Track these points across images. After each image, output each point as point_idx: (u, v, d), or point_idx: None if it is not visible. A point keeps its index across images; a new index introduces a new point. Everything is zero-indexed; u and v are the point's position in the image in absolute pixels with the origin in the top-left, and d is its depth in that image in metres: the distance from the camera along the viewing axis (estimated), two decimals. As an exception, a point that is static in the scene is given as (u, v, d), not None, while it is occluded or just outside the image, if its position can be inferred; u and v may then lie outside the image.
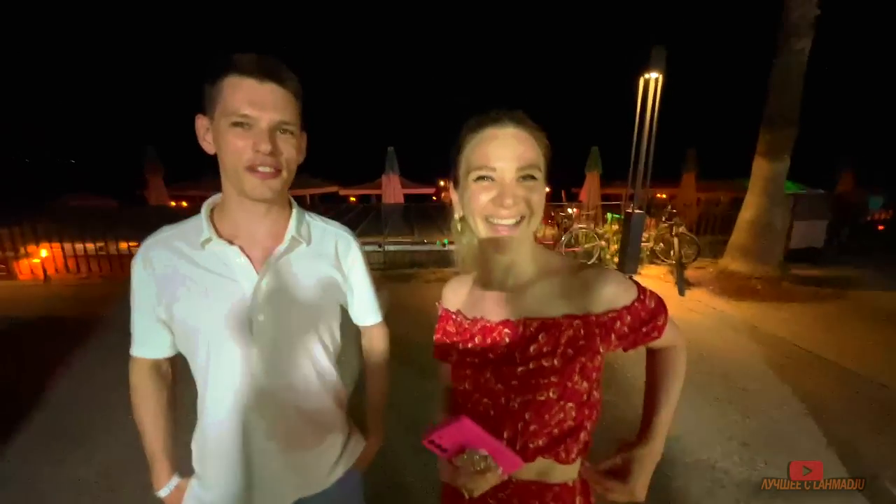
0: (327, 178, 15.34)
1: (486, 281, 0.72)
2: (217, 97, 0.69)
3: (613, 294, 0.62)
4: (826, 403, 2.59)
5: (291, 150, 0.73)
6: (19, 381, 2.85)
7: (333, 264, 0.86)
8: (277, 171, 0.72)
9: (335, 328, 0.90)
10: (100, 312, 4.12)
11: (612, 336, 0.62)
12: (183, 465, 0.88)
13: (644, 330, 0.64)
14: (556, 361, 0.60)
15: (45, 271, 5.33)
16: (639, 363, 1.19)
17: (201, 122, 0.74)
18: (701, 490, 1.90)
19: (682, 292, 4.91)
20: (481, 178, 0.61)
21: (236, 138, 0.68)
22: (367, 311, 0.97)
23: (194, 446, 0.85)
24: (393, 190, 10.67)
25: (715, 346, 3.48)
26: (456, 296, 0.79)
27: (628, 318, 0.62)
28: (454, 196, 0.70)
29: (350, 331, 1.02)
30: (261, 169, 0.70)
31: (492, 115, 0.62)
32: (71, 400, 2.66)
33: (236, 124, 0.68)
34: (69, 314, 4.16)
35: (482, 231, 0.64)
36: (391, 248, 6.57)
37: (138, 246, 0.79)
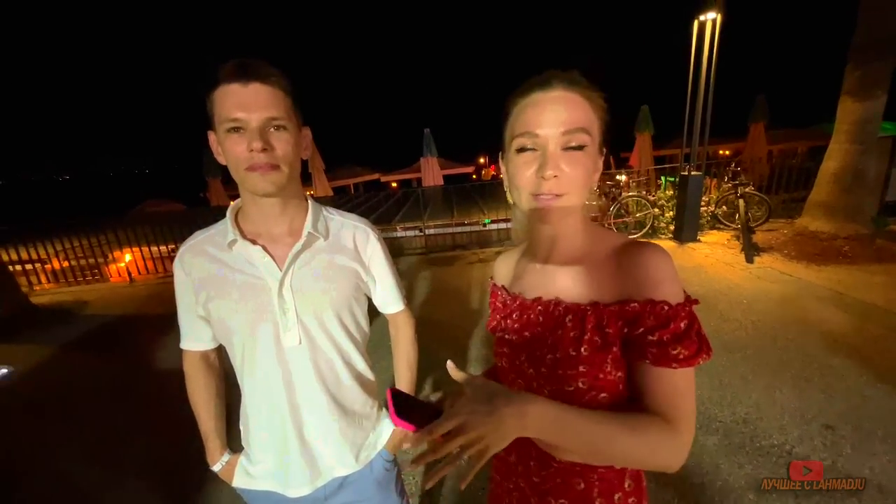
0: (369, 167, 15.64)
1: (530, 256, 0.70)
2: (213, 110, 0.73)
3: (646, 277, 0.53)
4: (934, 380, 2.23)
5: (286, 145, 0.74)
6: (116, 371, 3.26)
7: (353, 256, 0.89)
8: (275, 167, 0.73)
9: (360, 318, 0.93)
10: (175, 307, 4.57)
11: (625, 330, 0.53)
12: (235, 443, 0.96)
13: (651, 339, 0.50)
14: (583, 350, 0.55)
15: (129, 273, 6.01)
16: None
17: (212, 138, 0.78)
18: (777, 478, 1.72)
19: (749, 259, 4.43)
20: (523, 148, 0.57)
21: (233, 144, 0.71)
22: (390, 299, 0.99)
23: (241, 426, 0.93)
24: (432, 172, 10.61)
25: (791, 317, 3.12)
26: (504, 269, 0.78)
27: (650, 317, 0.51)
28: (502, 166, 0.66)
29: (380, 319, 1.04)
30: (258, 167, 0.72)
31: (540, 77, 0.57)
32: (161, 388, 2.99)
33: (231, 130, 0.71)
34: (152, 311, 4.67)
35: (525, 204, 0.61)
36: (431, 231, 6.58)
37: None
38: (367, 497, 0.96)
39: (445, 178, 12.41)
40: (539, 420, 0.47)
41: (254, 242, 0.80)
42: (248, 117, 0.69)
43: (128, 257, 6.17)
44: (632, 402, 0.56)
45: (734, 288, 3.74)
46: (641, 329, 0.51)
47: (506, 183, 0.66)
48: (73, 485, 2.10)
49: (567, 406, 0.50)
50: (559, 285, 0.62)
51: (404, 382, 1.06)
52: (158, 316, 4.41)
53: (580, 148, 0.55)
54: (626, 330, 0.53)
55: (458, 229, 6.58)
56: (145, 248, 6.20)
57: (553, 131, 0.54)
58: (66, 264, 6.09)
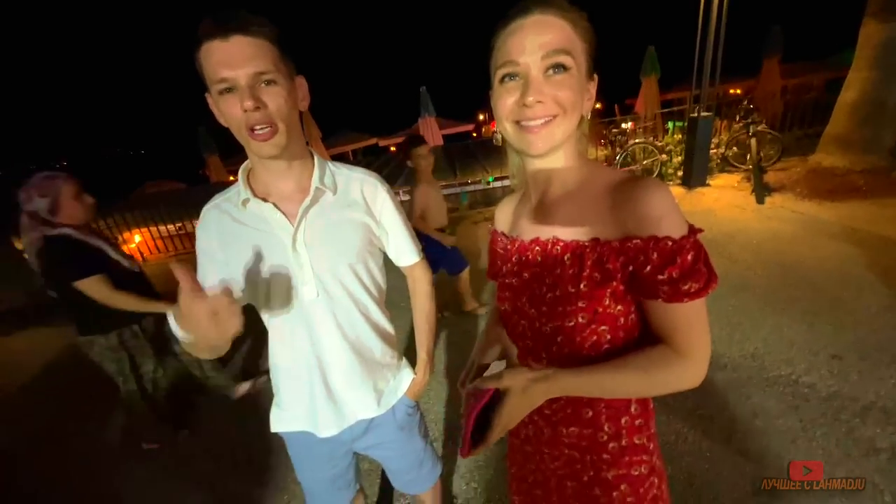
0: (366, 132, 15.24)
1: (527, 197, 0.69)
2: (202, 70, 0.70)
3: (647, 214, 0.51)
4: (945, 307, 2.24)
5: (279, 100, 0.72)
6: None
7: (364, 209, 0.90)
8: (273, 128, 0.72)
9: (376, 271, 0.95)
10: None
11: (629, 268, 0.53)
12: (268, 394, 1.01)
13: (660, 277, 0.50)
14: (582, 286, 0.56)
15: (141, 254, 6.10)
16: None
17: (209, 101, 0.75)
18: (783, 405, 1.80)
19: (760, 200, 4.35)
20: (506, 76, 0.56)
21: (228, 106, 0.70)
22: (403, 251, 1.00)
23: (271, 375, 0.98)
24: (431, 132, 10.31)
25: (801, 255, 3.11)
26: (504, 215, 0.78)
27: (654, 255, 0.50)
28: (493, 104, 0.64)
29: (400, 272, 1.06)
30: (257, 129, 0.71)
31: (518, 5, 0.55)
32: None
33: (223, 91, 0.69)
34: (169, 288, 4.78)
35: (512, 137, 0.59)
36: (435, 193, 6.51)
37: None
38: (391, 440, 1.03)
39: (445, 137, 12.10)
40: (562, 391, 0.58)
41: (265, 200, 0.81)
42: (234, 75, 0.67)
43: (137, 238, 6.25)
44: (635, 338, 0.60)
45: (744, 230, 3.71)
46: (649, 267, 0.51)
47: (497, 120, 0.63)
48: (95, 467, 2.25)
49: (586, 371, 0.57)
50: (556, 223, 0.61)
51: (423, 333, 1.09)
52: (171, 291, 4.52)
53: (564, 70, 0.53)
54: (631, 267, 0.53)
55: (463, 189, 6.50)
56: (153, 229, 6.26)
57: (533, 57, 0.53)
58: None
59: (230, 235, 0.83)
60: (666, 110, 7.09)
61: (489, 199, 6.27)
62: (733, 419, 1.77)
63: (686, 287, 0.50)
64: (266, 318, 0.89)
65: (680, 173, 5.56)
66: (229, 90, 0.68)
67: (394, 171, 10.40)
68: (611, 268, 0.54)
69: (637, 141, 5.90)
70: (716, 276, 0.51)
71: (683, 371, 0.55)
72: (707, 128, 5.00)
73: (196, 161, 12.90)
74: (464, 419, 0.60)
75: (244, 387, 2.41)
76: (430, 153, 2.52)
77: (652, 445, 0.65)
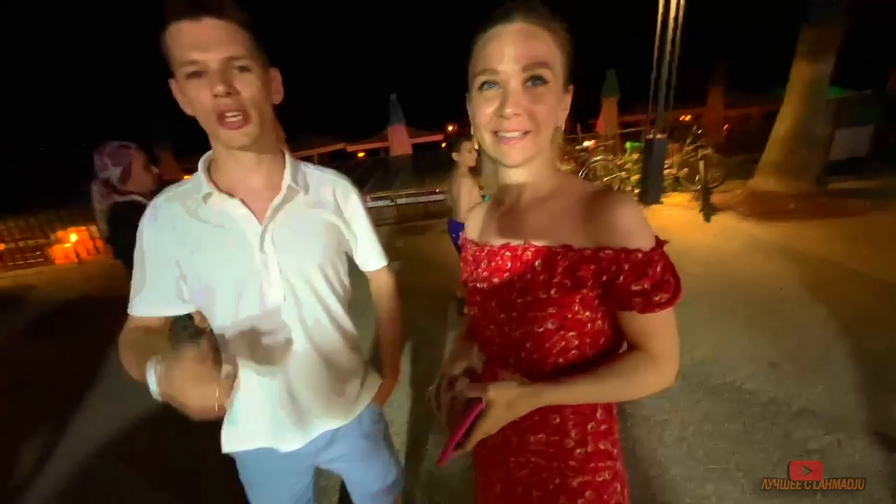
0: (332, 136, 14.98)
1: (498, 203, 0.69)
2: (168, 53, 0.64)
3: (619, 227, 0.53)
4: (867, 319, 2.49)
5: (252, 88, 0.67)
6: (72, 358, 3.08)
7: (334, 211, 0.86)
8: (245, 116, 0.67)
9: (343, 274, 0.91)
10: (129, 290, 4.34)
11: (602, 278, 0.54)
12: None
13: (634, 289, 0.53)
14: (553, 292, 0.56)
15: (77, 254, 5.59)
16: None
17: (174, 86, 0.69)
18: (728, 410, 1.91)
19: (707, 218, 4.70)
20: (484, 84, 0.56)
21: (196, 91, 0.64)
22: (370, 256, 0.98)
23: None
24: (400, 141, 10.31)
25: (741, 270, 3.37)
26: (474, 222, 0.78)
27: (626, 266, 0.53)
28: (469, 110, 0.63)
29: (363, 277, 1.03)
30: (228, 116, 0.66)
31: (500, 10, 0.55)
32: (118, 372, 2.86)
33: (191, 75, 0.64)
34: (102, 293, 4.40)
35: (489, 146, 0.59)
36: (403, 201, 6.48)
37: None
38: (357, 449, 0.98)
39: (414, 146, 12.12)
40: (546, 404, 0.58)
41: (230, 195, 0.75)
42: (205, 58, 0.62)
43: (73, 237, 5.72)
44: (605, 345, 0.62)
45: (694, 246, 3.97)
46: (622, 278, 0.53)
47: (473, 127, 0.63)
48: (37, 477, 2.02)
49: (570, 382, 0.57)
50: (528, 229, 0.61)
51: (389, 339, 1.06)
52: (115, 296, 4.16)
53: (543, 83, 0.54)
54: (604, 277, 0.54)
55: (431, 198, 6.51)
56: (92, 227, 5.76)
57: (513, 67, 0.53)
58: (1, 247, 5.57)
59: (186, 232, 0.75)
60: (625, 131, 7.52)
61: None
62: (685, 424, 1.86)
63: (657, 298, 0.53)
64: (221, 324, 0.80)
65: (637, 191, 5.89)
66: (198, 74, 0.63)
67: (362, 177, 10.27)
68: (582, 275, 0.55)
69: (598, 158, 6.21)
70: (681, 285, 0.54)
71: (659, 374, 0.58)
72: (661, 149, 5.35)
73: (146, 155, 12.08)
74: (451, 428, 0.59)
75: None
76: (475, 148, 2.53)
77: (616, 451, 0.66)
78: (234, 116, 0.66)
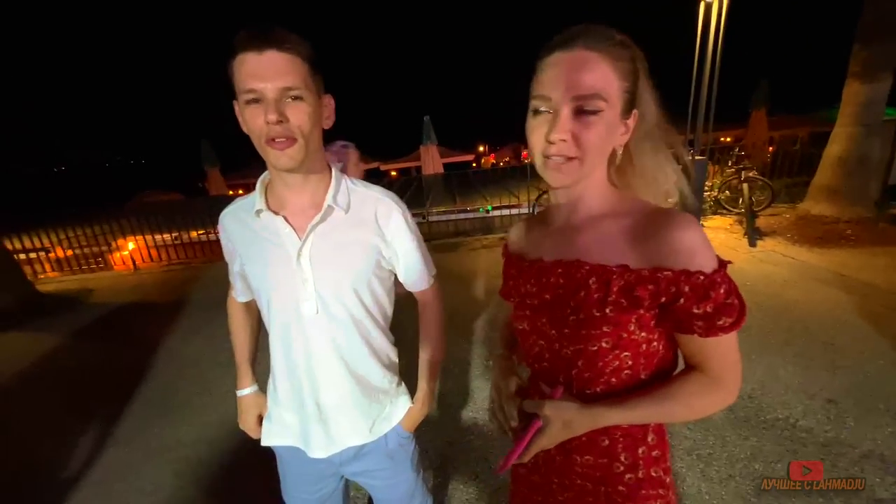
0: (367, 155, 15.55)
1: (549, 219, 0.70)
2: (233, 80, 0.72)
3: (681, 249, 0.52)
4: (935, 356, 2.27)
5: (302, 115, 0.72)
6: (121, 358, 3.30)
7: (374, 230, 0.86)
8: (291, 140, 0.73)
9: (381, 294, 0.91)
10: (180, 295, 4.60)
11: (661, 299, 0.53)
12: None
13: (696, 312, 0.52)
14: (608, 310, 0.55)
15: (133, 261, 6.01)
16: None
17: (236, 108, 0.77)
18: (781, 449, 1.77)
19: (752, 243, 4.46)
20: (537, 110, 0.57)
21: (252, 116, 0.71)
22: (413, 276, 0.96)
23: (269, 386, 0.98)
24: (432, 160, 10.56)
25: (793, 299, 3.16)
26: (518, 237, 0.78)
27: (686, 287, 0.51)
28: (526, 132, 0.65)
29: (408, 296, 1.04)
30: (277, 140, 0.72)
31: (564, 35, 0.55)
32: (165, 372, 3.03)
33: (250, 101, 0.70)
34: (158, 299, 4.69)
35: (539, 168, 0.60)
36: (434, 218, 6.58)
37: (206, 233, 0.90)
38: (380, 468, 0.97)
39: (445, 166, 12.36)
40: (604, 425, 0.60)
41: (277, 213, 0.82)
42: (263, 87, 0.68)
43: (131, 245, 6.17)
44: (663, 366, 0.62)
45: (738, 272, 3.77)
46: (682, 300, 0.52)
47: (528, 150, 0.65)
48: (88, 468, 2.14)
49: (630, 404, 0.57)
50: (579, 247, 0.61)
51: (426, 363, 1.03)
52: (165, 303, 4.44)
53: (594, 113, 0.53)
54: (663, 299, 0.53)
55: (461, 216, 6.58)
56: (148, 237, 6.20)
57: (565, 96, 0.53)
58: (69, 253, 6.09)
59: (242, 241, 0.87)
60: (661, 152, 7.34)
61: (488, 228, 6.34)
62: (732, 460, 1.74)
63: (721, 322, 0.52)
64: (266, 327, 0.91)
65: (674, 212, 5.70)
66: (256, 101, 0.70)
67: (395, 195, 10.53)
68: (639, 296, 0.54)
69: (633, 179, 6.08)
70: (745, 309, 0.53)
71: (722, 396, 0.58)
72: (701, 170, 5.19)
73: (196, 173, 12.99)
74: (516, 441, 0.62)
75: None
76: None
77: (668, 479, 0.64)
78: (281, 140, 0.72)
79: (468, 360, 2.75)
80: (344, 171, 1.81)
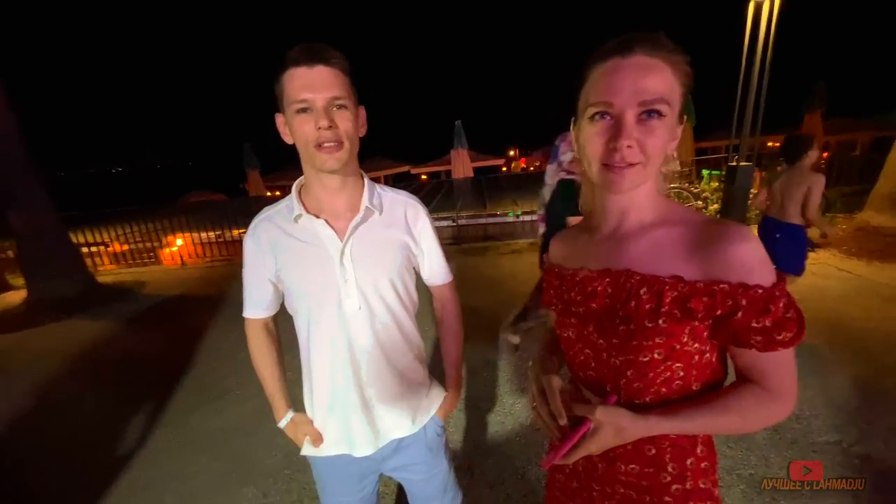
0: (398, 159, 15.82)
1: (594, 228, 0.68)
2: (282, 93, 0.78)
3: (740, 263, 0.51)
4: None
5: (347, 122, 0.79)
6: (170, 347, 3.52)
7: (404, 230, 0.94)
8: (340, 144, 0.79)
9: (412, 288, 0.98)
10: (224, 290, 4.86)
11: (716, 312, 0.52)
12: (297, 403, 1.03)
13: (754, 326, 0.51)
14: (661, 322, 0.54)
15: (181, 257, 6.42)
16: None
17: (279, 120, 0.84)
18: (831, 473, 1.65)
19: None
20: (597, 114, 0.55)
21: (302, 123, 0.77)
22: (437, 271, 1.03)
23: (306, 400, 0.99)
24: (462, 164, 10.61)
25: (850, 315, 2.94)
26: (561, 247, 0.77)
27: (744, 301, 0.50)
28: (572, 134, 0.65)
29: (427, 294, 1.08)
30: (325, 145, 0.78)
31: (620, 41, 0.54)
32: (206, 362, 3.21)
33: (300, 111, 0.76)
34: (201, 292, 4.98)
35: (596, 176, 0.58)
36: (464, 222, 6.60)
37: (246, 232, 0.94)
38: (420, 461, 1.02)
39: (475, 170, 12.37)
40: (652, 433, 0.58)
41: (317, 216, 0.86)
42: (314, 97, 0.75)
43: (179, 242, 6.59)
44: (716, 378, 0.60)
45: (787, 285, 3.55)
46: (740, 314, 0.51)
47: (575, 150, 0.65)
48: (136, 453, 2.30)
49: (683, 414, 0.56)
50: (630, 256, 0.60)
51: (452, 353, 1.09)
52: (208, 297, 4.71)
53: (658, 117, 0.53)
54: (719, 311, 0.52)
55: (491, 220, 6.56)
56: (195, 235, 6.60)
57: (630, 100, 0.52)
58: (125, 248, 6.58)
59: (281, 247, 0.88)
60: (701, 157, 7.04)
61: (516, 233, 6.29)
62: (776, 483, 1.64)
63: (780, 337, 0.51)
64: (305, 331, 0.91)
65: (716, 221, 5.43)
66: (305, 111, 0.76)
67: (424, 198, 10.63)
68: (693, 307, 0.53)
69: (672, 186, 5.86)
70: (805, 323, 0.52)
71: (775, 409, 0.56)
72: (747, 177, 4.93)
73: (237, 175, 13.68)
74: (562, 437, 0.60)
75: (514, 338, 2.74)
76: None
77: (717, 492, 0.62)
78: (331, 144, 0.78)
79: (496, 364, 2.74)
80: (575, 160, 2.03)
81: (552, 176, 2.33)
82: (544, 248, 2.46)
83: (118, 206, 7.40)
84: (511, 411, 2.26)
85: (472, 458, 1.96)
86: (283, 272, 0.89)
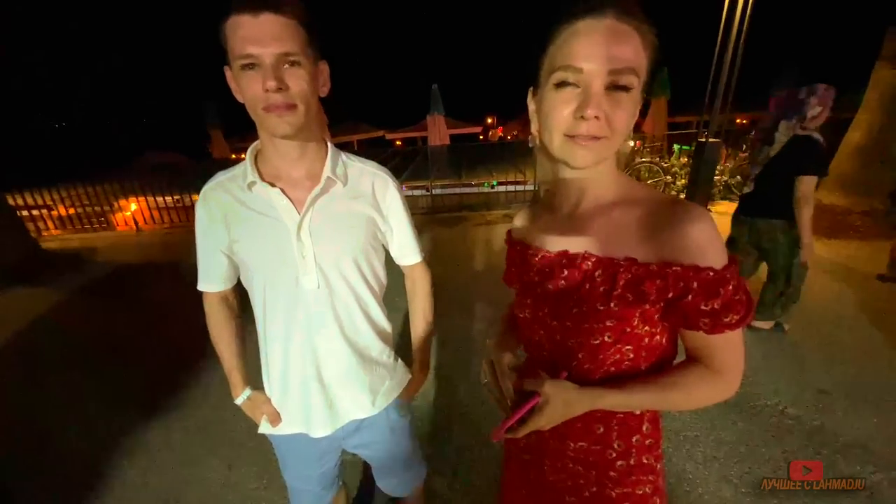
0: (373, 124, 15.21)
1: (554, 207, 0.65)
2: (226, 43, 0.68)
3: (693, 243, 0.50)
4: (931, 353, 2.28)
5: (302, 82, 0.69)
6: (125, 317, 3.35)
7: (371, 203, 0.87)
8: (292, 106, 0.69)
9: (378, 267, 0.92)
10: (182, 257, 4.63)
11: (668, 295, 0.52)
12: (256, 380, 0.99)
13: (703, 308, 0.50)
14: (612, 305, 0.54)
15: (136, 222, 6.02)
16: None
17: (228, 74, 0.73)
18: (767, 435, 1.82)
19: (759, 231, 4.40)
20: (563, 83, 0.51)
21: (249, 82, 0.67)
22: (406, 250, 0.97)
23: (264, 377, 0.95)
24: (438, 131, 10.32)
25: (795, 288, 3.14)
26: (524, 223, 0.75)
27: (695, 283, 0.50)
28: (532, 105, 0.60)
29: (397, 270, 1.03)
30: (275, 107, 0.69)
31: (590, 2, 0.49)
32: (164, 334, 3.08)
33: (245, 67, 0.66)
34: (157, 259, 4.73)
35: (557, 147, 0.55)
36: (438, 191, 6.50)
37: None
38: (381, 440, 1.01)
39: (452, 137, 12.09)
40: (602, 408, 0.58)
41: (272, 185, 0.78)
42: (260, 52, 0.65)
43: (133, 206, 6.16)
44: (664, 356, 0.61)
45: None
46: (690, 297, 0.50)
47: (533, 123, 0.60)
48: (98, 428, 2.22)
49: (629, 390, 0.56)
50: (587, 237, 0.58)
51: (420, 336, 1.06)
52: (167, 263, 4.48)
53: (626, 89, 0.49)
54: (670, 294, 0.51)
55: (466, 190, 6.50)
56: (150, 199, 6.18)
57: (600, 68, 0.48)
58: (72, 211, 6.09)
59: (232, 217, 0.81)
60: (672, 133, 7.15)
61: (492, 203, 6.27)
62: (719, 443, 1.79)
63: (727, 319, 0.51)
64: (261, 307, 0.86)
65: (683, 196, 5.61)
66: (252, 67, 0.66)
67: (399, 165, 10.37)
68: (646, 290, 0.52)
69: (643, 160, 5.95)
70: (752, 305, 0.52)
71: (723, 388, 0.58)
72: (714, 153, 5.05)
73: (199, 134, 12.77)
74: (510, 412, 0.61)
75: None
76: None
77: (659, 466, 0.65)
78: (279, 106, 0.68)
79: (466, 334, 2.78)
80: (818, 116, 2.04)
81: (786, 132, 2.11)
82: (743, 210, 2.38)
83: (64, 165, 6.78)
84: (479, 380, 2.32)
85: (439, 424, 2.01)
86: (236, 245, 0.81)
